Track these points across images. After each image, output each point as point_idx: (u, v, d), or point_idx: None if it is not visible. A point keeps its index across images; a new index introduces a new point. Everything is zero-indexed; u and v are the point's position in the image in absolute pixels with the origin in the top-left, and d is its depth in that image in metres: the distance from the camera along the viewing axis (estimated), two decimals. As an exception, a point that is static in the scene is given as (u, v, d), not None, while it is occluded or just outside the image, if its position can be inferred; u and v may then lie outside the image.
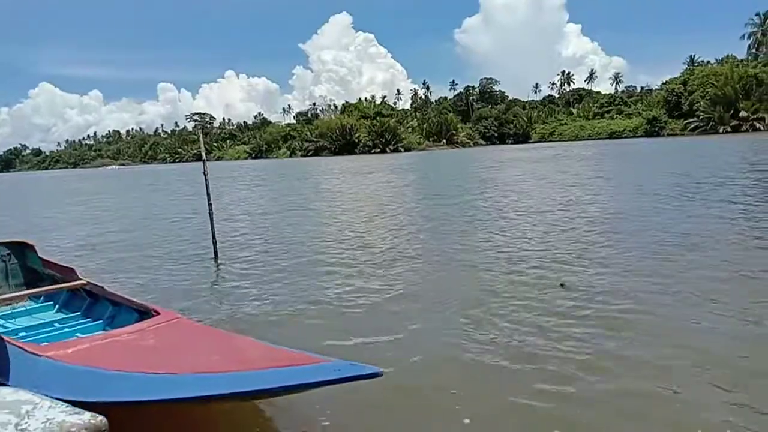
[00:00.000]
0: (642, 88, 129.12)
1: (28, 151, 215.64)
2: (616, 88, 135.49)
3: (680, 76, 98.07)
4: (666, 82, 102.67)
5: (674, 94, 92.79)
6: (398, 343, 4.99)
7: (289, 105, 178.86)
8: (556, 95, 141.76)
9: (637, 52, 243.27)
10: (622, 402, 3.74)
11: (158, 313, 4.27)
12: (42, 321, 5.18)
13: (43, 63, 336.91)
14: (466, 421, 3.57)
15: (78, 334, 4.64)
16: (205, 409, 3.53)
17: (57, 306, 5.65)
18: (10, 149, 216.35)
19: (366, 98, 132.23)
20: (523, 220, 11.87)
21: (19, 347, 3.63)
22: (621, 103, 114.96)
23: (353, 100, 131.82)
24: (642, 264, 7.39)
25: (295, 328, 5.59)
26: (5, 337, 3.82)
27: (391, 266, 8.20)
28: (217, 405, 3.45)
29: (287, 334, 5.36)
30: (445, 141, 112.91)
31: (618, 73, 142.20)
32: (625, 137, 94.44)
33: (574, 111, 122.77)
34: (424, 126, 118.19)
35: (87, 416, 2.09)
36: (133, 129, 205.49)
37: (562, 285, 6.49)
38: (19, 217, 20.14)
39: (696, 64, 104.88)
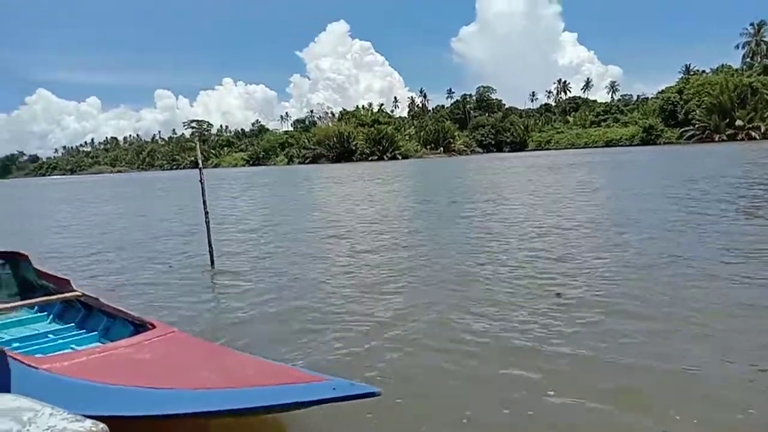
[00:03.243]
0: (638, 96, 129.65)
1: (25, 158, 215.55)
2: (612, 97, 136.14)
3: (676, 85, 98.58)
4: (662, 90, 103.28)
5: (670, 102, 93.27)
6: (394, 357, 4.97)
7: (286, 112, 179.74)
8: (553, 103, 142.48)
9: (632, 61, 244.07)
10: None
11: (154, 326, 4.25)
12: (36, 332, 5.14)
13: (41, 70, 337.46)
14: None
15: (72, 346, 4.62)
16: (202, 423, 3.54)
17: (51, 317, 5.60)
18: (7, 156, 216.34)
19: (363, 106, 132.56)
20: (518, 228, 11.91)
21: (17, 359, 3.63)
22: (617, 111, 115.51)
23: (350, 108, 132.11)
24: (639, 271, 7.43)
25: (291, 341, 5.55)
26: (5, 350, 3.83)
27: (388, 274, 8.21)
28: (215, 420, 3.47)
29: (283, 347, 5.35)
30: (442, 149, 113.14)
31: (614, 82, 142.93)
32: (622, 145, 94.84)
33: (571, 119, 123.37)
34: (422, 134, 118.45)
35: (88, 424, 2.12)
36: (130, 136, 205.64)
37: (558, 295, 6.53)
38: (12, 224, 20.14)
39: (692, 73, 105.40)
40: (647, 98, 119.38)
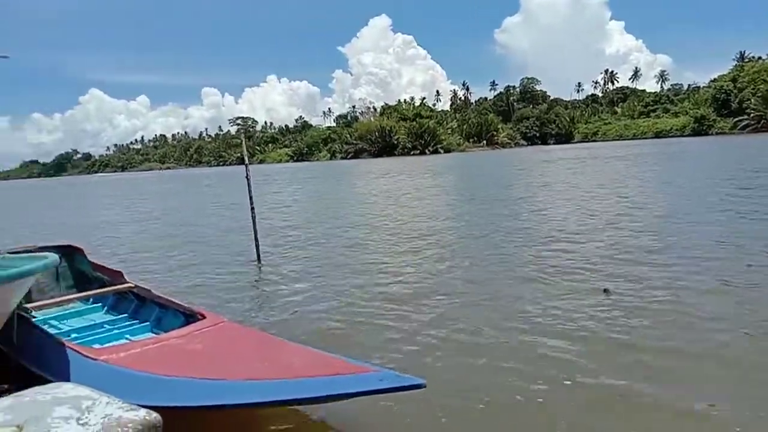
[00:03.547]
0: (689, 86, 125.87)
1: (78, 156, 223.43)
2: (661, 87, 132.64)
3: (729, 73, 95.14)
4: (714, 79, 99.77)
5: (723, 91, 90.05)
6: (440, 353, 4.93)
7: (329, 108, 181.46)
8: (600, 94, 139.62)
9: (683, 49, 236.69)
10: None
11: (204, 317, 4.35)
12: (92, 322, 5.32)
13: (92, 70, 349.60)
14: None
15: (127, 336, 4.79)
16: (253, 412, 3.60)
17: (106, 308, 5.80)
18: (62, 154, 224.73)
19: (405, 100, 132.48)
20: (567, 222, 11.70)
21: (76, 350, 3.78)
22: (667, 101, 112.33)
23: (392, 102, 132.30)
24: (693, 266, 7.22)
25: (338, 333, 5.60)
26: (65, 341, 4.00)
27: (436, 267, 8.18)
28: (265, 409, 3.53)
29: (330, 338, 5.40)
30: (485, 142, 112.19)
31: (663, 71, 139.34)
32: (672, 136, 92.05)
33: (618, 110, 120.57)
34: (464, 127, 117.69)
35: (142, 413, 2.20)
36: (178, 133, 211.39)
37: (605, 291, 6.39)
38: (63, 219, 20.88)
39: (746, 60, 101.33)
40: (699, 87, 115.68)
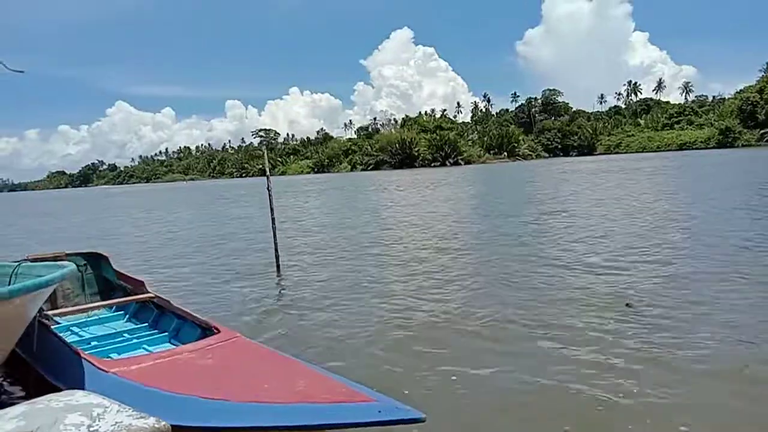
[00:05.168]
0: (714, 97, 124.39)
1: (104, 167, 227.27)
2: (686, 98, 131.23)
3: (756, 84, 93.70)
4: (740, 90, 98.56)
5: (749, 102, 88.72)
6: (453, 374, 4.80)
7: (350, 120, 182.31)
8: (623, 106, 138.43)
9: (708, 60, 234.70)
10: None
11: (218, 331, 4.39)
12: (113, 331, 5.46)
13: (119, 83, 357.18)
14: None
15: (145, 346, 4.91)
16: None
17: (127, 316, 5.95)
18: (88, 165, 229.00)
19: (426, 112, 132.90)
20: (589, 238, 11.57)
21: (90, 361, 3.86)
22: (691, 113, 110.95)
23: (413, 114, 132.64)
24: (720, 283, 7.07)
25: (353, 352, 5.48)
26: (81, 351, 4.07)
27: (451, 279, 8.14)
28: None
29: (343, 354, 5.36)
30: (506, 153, 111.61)
31: (688, 83, 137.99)
32: (696, 148, 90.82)
33: (642, 122, 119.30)
34: (485, 139, 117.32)
35: (151, 421, 2.21)
36: (202, 145, 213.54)
37: (628, 305, 6.29)
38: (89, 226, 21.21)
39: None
40: (724, 98, 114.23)
